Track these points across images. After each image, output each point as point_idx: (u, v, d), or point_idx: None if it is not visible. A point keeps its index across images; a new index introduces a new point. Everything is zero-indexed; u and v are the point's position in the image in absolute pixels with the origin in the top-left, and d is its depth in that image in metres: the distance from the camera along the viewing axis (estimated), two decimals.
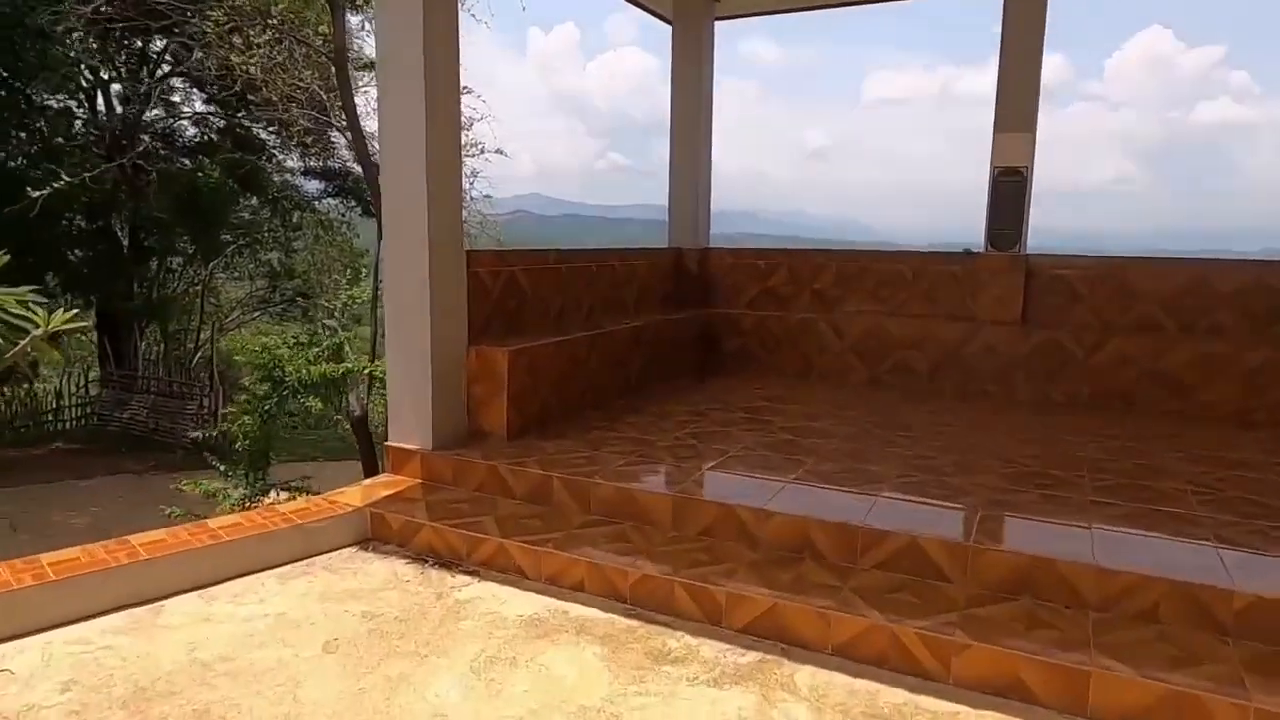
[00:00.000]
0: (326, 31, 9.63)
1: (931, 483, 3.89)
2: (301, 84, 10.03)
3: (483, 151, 13.57)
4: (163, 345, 20.02)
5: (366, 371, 8.56)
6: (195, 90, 16.79)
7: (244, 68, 9.55)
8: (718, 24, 7.47)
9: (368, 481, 4.30)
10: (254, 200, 19.14)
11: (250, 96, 11.86)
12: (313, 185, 19.08)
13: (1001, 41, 6.09)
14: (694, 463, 4.16)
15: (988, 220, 6.22)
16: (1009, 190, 6.12)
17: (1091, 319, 6.11)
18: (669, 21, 7.46)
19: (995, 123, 6.13)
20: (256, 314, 22.69)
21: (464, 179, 13.06)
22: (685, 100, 7.33)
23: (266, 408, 7.03)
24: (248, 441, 7.70)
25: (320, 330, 10.31)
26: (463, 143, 13.88)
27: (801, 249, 7.13)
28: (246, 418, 7.68)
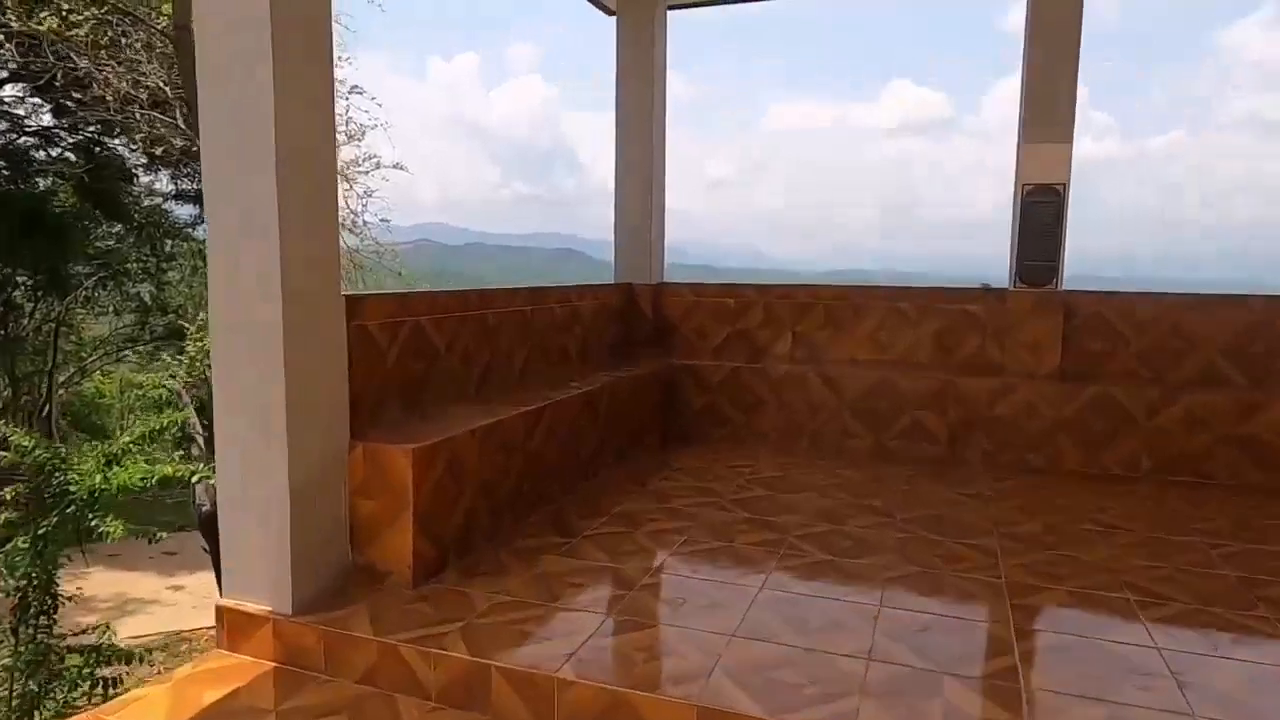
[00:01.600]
0: (170, 13, 7.73)
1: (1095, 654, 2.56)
2: (142, 77, 8.14)
3: (379, 167, 11.71)
4: (10, 391, 17.23)
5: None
6: (40, 99, 14.43)
7: (61, 46, 7.57)
8: (671, 14, 6.15)
9: (184, 672, 2.66)
10: (118, 227, 16.72)
11: (77, 94, 9.79)
12: (187, 210, 16.81)
13: (1027, 38, 4.98)
14: (708, 620, 2.71)
15: (1016, 250, 5.06)
16: (1042, 213, 4.98)
17: (1140, 369, 5.01)
18: (611, 12, 6.12)
19: (1022, 132, 5.00)
20: (123, 353, 20.03)
21: (353, 197, 11.20)
22: (633, 101, 5.97)
23: (40, 533, 4.85)
24: (13, 579, 4.87)
25: (164, 388, 8.37)
26: (356, 157, 12.07)
27: (780, 284, 5.84)
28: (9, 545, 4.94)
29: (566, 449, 4.08)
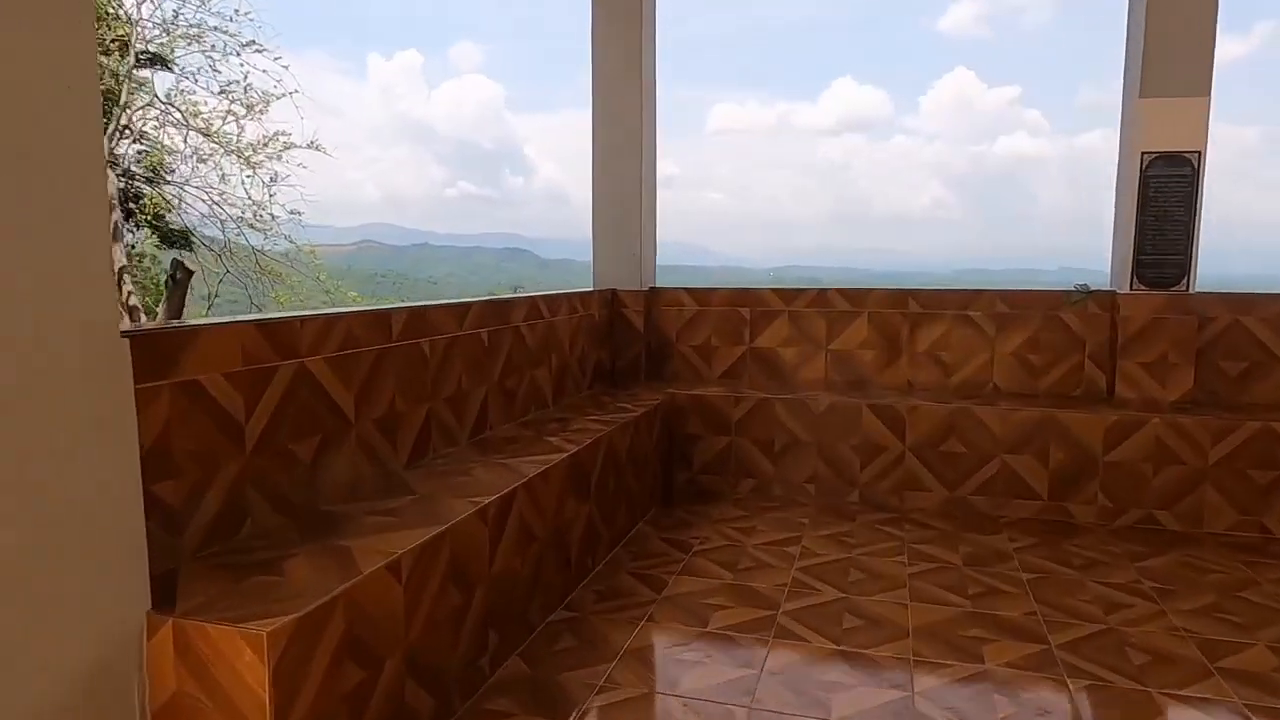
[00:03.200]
0: None
1: None
2: None
3: (288, 148, 9.92)
4: None
5: None
6: None
7: None
8: None
9: None
10: None
11: None
12: None
13: None
14: None
15: (1134, 240, 3.83)
16: (1169, 191, 3.76)
17: None
18: None
19: (1140, 86, 3.76)
20: None
21: (257, 185, 9.45)
22: (614, 73, 4.58)
23: None
24: None
25: None
26: (261, 138, 10.21)
27: (805, 288, 4.52)
28: None
29: (547, 551, 2.70)
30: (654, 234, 4.79)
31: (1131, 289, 3.84)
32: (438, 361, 2.81)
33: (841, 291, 4.42)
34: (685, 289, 4.64)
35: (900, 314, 4.31)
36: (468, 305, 3.07)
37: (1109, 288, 4.05)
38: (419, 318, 2.72)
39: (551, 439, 3.10)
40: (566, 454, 2.88)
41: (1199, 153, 3.70)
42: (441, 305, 2.90)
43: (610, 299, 4.59)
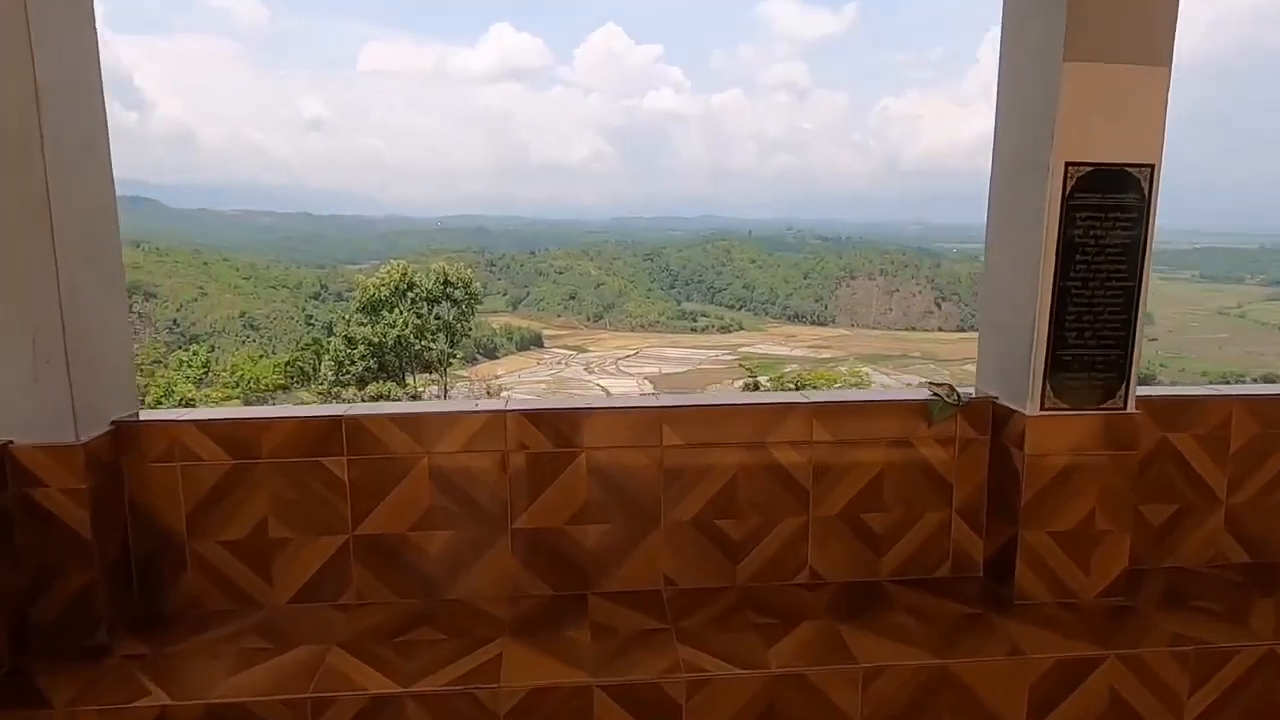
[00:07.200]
0: None
1: None
2: None
3: None
4: None
5: None
6: None
7: None
8: None
9: None
10: None
11: None
12: None
13: None
14: None
15: (1052, 319, 2.11)
16: (1109, 234, 2.09)
17: None
18: None
19: (1065, 42, 2.00)
20: None
21: None
22: None
23: None
24: None
25: None
26: None
27: (477, 403, 2.30)
28: None
29: None
30: (122, 298, 2.19)
31: (1044, 407, 2.15)
32: None
33: (539, 409, 2.24)
34: (194, 421, 2.13)
35: (651, 448, 2.25)
36: None
37: (984, 394, 2.34)
38: None
39: None
40: None
41: (1152, 167, 2.07)
42: None
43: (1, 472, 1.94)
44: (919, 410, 2.31)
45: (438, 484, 2.20)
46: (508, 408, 2.21)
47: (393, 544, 2.21)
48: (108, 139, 2.10)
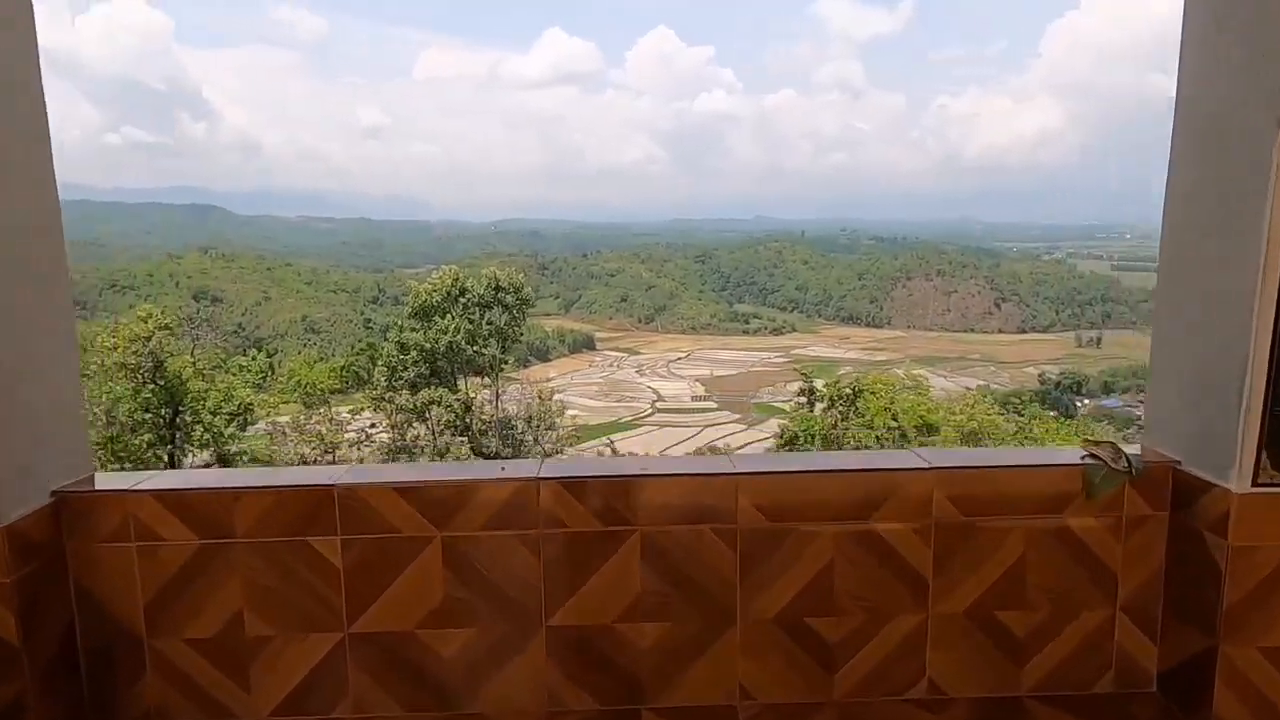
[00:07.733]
0: None
1: None
2: None
3: None
4: None
5: None
6: None
7: None
8: None
9: None
10: None
11: None
12: None
13: None
14: None
15: (1272, 371, 1.55)
16: None
17: None
18: None
19: None
20: None
21: None
22: None
23: None
24: None
25: None
26: None
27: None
28: None
29: None
30: (71, 333, 1.79)
31: (1257, 482, 1.59)
32: None
33: (580, 476, 1.77)
34: (153, 491, 1.71)
35: (722, 526, 1.76)
36: None
37: (1161, 458, 1.79)
38: None
39: None
40: None
41: None
42: None
43: None
44: (1073, 476, 1.77)
45: (453, 570, 1.74)
46: (540, 474, 1.75)
47: (398, 644, 1.76)
48: (49, 149, 1.70)
